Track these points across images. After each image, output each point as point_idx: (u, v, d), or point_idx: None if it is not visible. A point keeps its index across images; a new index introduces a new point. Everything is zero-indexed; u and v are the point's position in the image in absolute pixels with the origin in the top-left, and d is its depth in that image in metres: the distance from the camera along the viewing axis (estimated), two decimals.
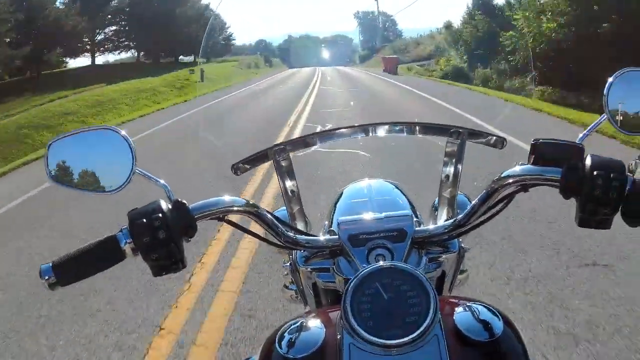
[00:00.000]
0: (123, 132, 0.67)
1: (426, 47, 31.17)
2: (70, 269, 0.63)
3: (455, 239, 0.83)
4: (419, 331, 0.55)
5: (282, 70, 45.22)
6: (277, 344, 0.62)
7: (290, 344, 0.61)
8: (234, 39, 50.09)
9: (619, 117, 0.67)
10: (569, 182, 0.62)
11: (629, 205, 0.59)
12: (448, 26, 27.29)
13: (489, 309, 0.63)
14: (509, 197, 0.72)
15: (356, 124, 1.00)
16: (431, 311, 0.57)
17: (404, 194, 0.99)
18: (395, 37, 58.00)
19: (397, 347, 0.55)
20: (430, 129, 0.97)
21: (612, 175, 0.59)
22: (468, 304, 0.64)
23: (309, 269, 0.84)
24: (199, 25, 35.81)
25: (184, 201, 0.67)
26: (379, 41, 56.10)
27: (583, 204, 0.61)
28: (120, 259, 0.64)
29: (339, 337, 0.60)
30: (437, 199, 0.99)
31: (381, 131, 1.00)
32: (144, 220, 0.62)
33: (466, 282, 1.08)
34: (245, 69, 38.05)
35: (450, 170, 0.93)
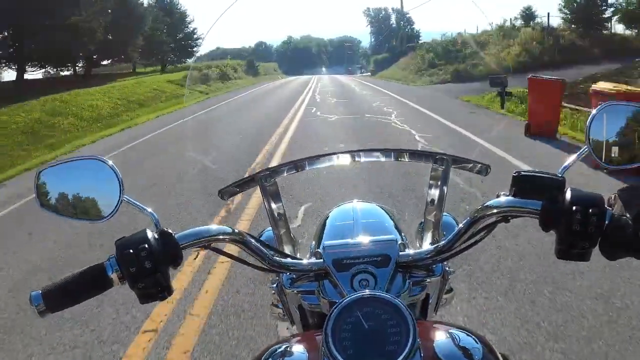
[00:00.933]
0: (110, 163, 0.68)
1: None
2: (59, 297, 0.65)
3: (440, 263, 0.84)
4: None
5: (264, 83, 33.94)
6: None
7: None
8: (199, 39, 37.89)
9: (601, 150, 0.68)
10: (548, 215, 0.63)
11: (608, 239, 0.60)
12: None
13: (469, 335, 0.64)
14: (491, 227, 0.73)
15: (343, 151, 1.02)
16: (410, 340, 0.58)
17: (390, 217, 1.01)
18: (415, 39, 46.53)
19: None
20: (415, 155, 0.98)
21: (591, 210, 0.60)
22: (449, 330, 0.65)
23: (294, 291, 0.86)
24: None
25: (170, 231, 0.68)
26: (400, 42, 44.08)
27: (562, 237, 0.62)
28: (107, 287, 0.65)
29: None
30: (422, 221, 1.01)
31: (368, 157, 1.01)
32: (131, 250, 0.63)
33: (452, 301, 1.09)
34: (197, 85, 24.29)
35: (435, 193, 0.94)
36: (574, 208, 0.60)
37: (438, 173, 0.94)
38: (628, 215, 0.59)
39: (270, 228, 1.00)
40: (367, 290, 0.66)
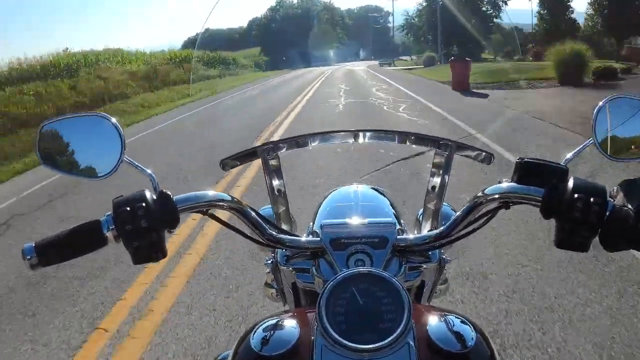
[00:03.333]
0: (113, 120, 0.68)
1: None
2: (52, 251, 0.64)
3: (437, 250, 0.84)
4: (391, 338, 0.56)
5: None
6: (251, 341, 0.62)
7: (264, 341, 0.62)
8: None
9: (606, 143, 0.68)
10: (550, 202, 0.63)
11: (608, 230, 0.60)
12: None
13: (463, 320, 0.64)
14: (492, 213, 0.72)
15: (348, 129, 1.01)
16: (405, 319, 0.57)
17: (389, 202, 1.00)
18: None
19: (368, 352, 0.56)
20: (419, 139, 0.98)
21: (592, 199, 0.59)
22: (442, 314, 0.65)
23: (289, 269, 0.85)
24: None
25: (169, 192, 0.68)
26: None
27: (562, 225, 0.61)
28: (102, 244, 0.65)
29: (312, 338, 0.60)
30: (422, 209, 1.00)
31: (371, 137, 1.01)
32: (128, 208, 0.63)
33: (446, 292, 1.09)
34: None
35: (436, 181, 0.93)
36: (575, 196, 0.60)
37: (441, 160, 0.93)
38: (630, 207, 0.59)
39: (269, 206, 1.00)
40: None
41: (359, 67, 38.46)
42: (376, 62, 45.32)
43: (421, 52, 41.18)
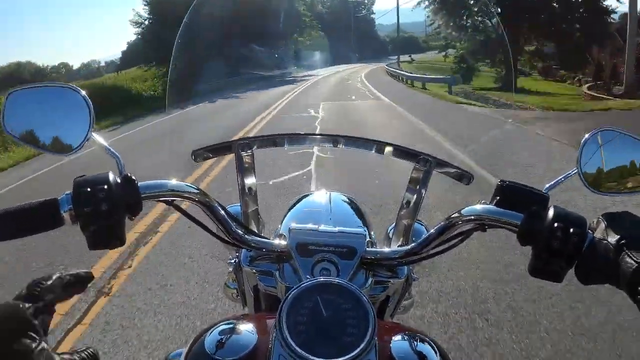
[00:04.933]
0: (83, 93, 0.65)
1: None
2: (5, 226, 0.60)
3: (405, 266, 0.82)
4: (353, 353, 0.53)
5: None
6: (206, 343, 0.60)
7: (220, 344, 0.59)
8: None
9: (590, 174, 0.67)
10: (528, 229, 0.61)
11: (584, 262, 0.58)
12: None
13: (426, 340, 0.62)
14: (466, 234, 0.71)
15: (328, 134, 0.99)
16: (368, 335, 0.55)
17: (361, 212, 0.98)
18: None
19: None
20: (399, 151, 0.96)
21: (572, 229, 0.58)
22: (406, 333, 0.63)
23: (252, 270, 0.82)
24: None
25: (134, 177, 0.64)
26: None
27: (538, 253, 0.60)
28: (57, 224, 0.61)
29: (270, 346, 0.57)
30: (394, 223, 0.98)
31: (350, 145, 0.99)
32: (89, 189, 0.59)
33: (410, 309, 1.07)
34: None
35: (412, 197, 0.92)
36: (555, 225, 0.58)
37: (419, 175, 0.91)
38: (609, 241, 0.57)
39: (238, 204, 0.97)
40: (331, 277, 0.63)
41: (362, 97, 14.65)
42: (374, 67, 25.18)
43: (448, 46, 23.22)
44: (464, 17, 20.60)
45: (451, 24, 20.84)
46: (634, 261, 0.53)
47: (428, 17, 22.03)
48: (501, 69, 18.53)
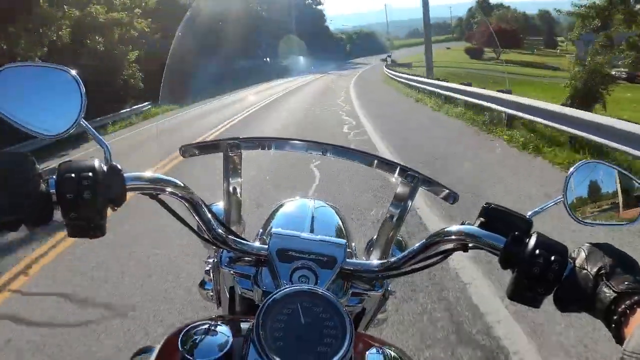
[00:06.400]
0: (74, 73, 0.63)
1: None
2: None
3: (384, 280, 0.82)
4: None
5: None
6: (180, 342, 0.58)
7: (194, 345, 0.58)
8: None
9: (575, 204, 0.68)
10: (510, 253, 0.62)
11: (563, 290, 0.59)
12: None
13: (400, 355, 0.62)
14: (448, 253, 0.71)
15: (318, 141, 0.99)
16: (345, 346, 0.55)
17: (343, 222, 0.98)
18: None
19: None
20: (387, 164, 0.96)
21: (553, 257, 0.59)
22: (381, 346, 0.62)
23: (230, 272, 0.82)
24: None
25: (120, 167, 0.63)
26: None
27: (519, 278, 0.60)
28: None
29: (244, 351, 0.57)
30: (375, 236, 0.98)
31: (339, 154, 0.99)
32: (73, 175, 0.58)
33: (384, 323, 1.06)
34: None
35: (396, 211, 0.91)
36: (536, 252, 0.59)
37: (405, 190, 0.91)
38: (589, 271, 0.58)
39: (220, 202, 0.96)
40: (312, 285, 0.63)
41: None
42: (340, 74, 19.69)
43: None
44: None
45: None
46: (613, 291, 0.54)
47: None
48: None
